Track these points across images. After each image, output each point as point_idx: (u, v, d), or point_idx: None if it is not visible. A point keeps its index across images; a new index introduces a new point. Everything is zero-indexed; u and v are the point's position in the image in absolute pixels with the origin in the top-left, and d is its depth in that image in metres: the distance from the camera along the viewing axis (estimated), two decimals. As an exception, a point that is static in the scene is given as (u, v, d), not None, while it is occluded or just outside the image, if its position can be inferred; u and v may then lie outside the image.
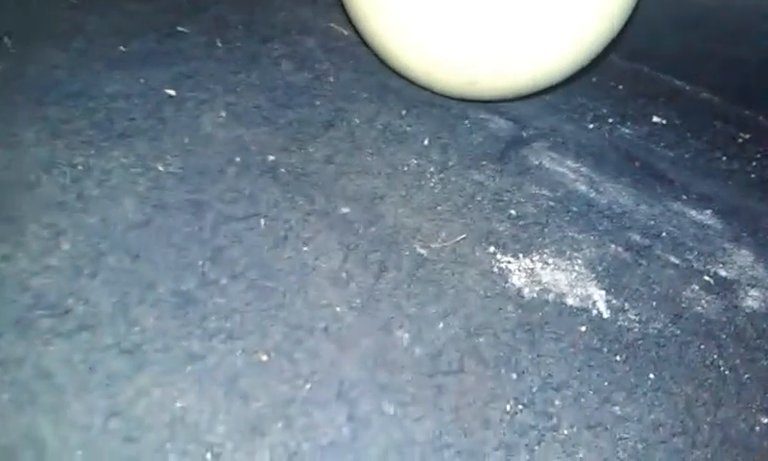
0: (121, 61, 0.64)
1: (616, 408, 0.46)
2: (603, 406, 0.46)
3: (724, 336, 0.53)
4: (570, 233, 0.57)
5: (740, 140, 0.73)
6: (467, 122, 0.66)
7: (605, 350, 0.50)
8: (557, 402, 0.46)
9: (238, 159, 0.56)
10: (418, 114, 0.65)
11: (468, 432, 0.43)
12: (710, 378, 0.50)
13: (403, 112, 0.65)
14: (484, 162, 0.62)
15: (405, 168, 0.60)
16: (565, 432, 0.44)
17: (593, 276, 0.54)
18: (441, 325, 0.48)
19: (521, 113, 0.69)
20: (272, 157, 0.57)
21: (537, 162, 0.64)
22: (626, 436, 0.45)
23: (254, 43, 0.70)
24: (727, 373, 0.50)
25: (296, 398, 0.42)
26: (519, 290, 0.52)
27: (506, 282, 0.52)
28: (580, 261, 0.55)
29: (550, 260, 0.55)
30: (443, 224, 0.56)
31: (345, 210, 0.55)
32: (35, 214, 0.49)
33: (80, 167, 0.52)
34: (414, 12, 0.59)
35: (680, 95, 0.78)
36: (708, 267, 0.58)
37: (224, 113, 0.60)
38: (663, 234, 0.59)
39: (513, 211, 0.58)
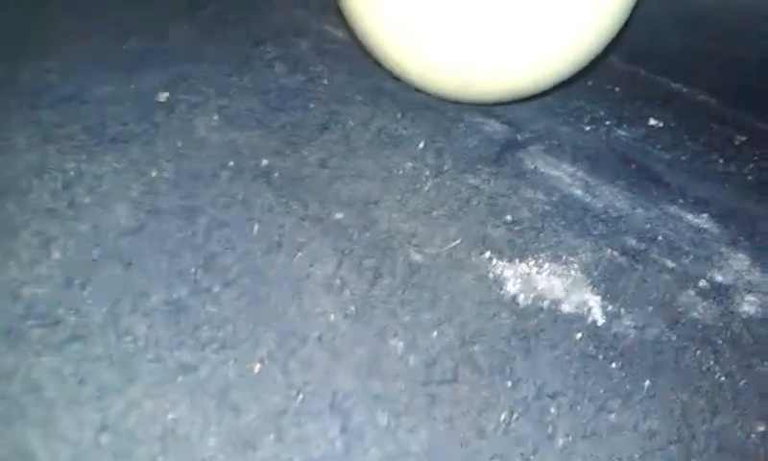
0: (114, 64, 0.63)
1: (612, 416, 0.46)
2: (598, 414, 0.46)
3: (720, 342, 0.52)
4: (566, 238, 0.57)
5: (737, 142, 0.73)
6: (462, 125, 0.66)
7: (600, 357, 0.49)
8: (552, 411, 0.45)
9: (231, 164, 0.56)
10: (413, 117, 0.65)
11: (462, 442, 0.43)
12: (706, 385, 0.49)
13: (398, 116, 0.65)
14: (479, 166, 0.62)
15: (400, 172, 0.59)
16: (561, 442, 0.44)
17: (589, 281, 0.54)
18: (435, 332, 0.48)
19: (517, 116, 0.69)
20: (265, 162, 0.57)
21: (532, 166, 0.63)
22: (621, 445, 0.45)
23: (247, 45, 0.69)
24: (723, 379, 0.50)
25: (288, 409, 0.42)
26: (515, 297, 0.52)
27: (501, 289, 0.52)
28: (576, 266, 0.55)
29: (546, 266, 0.54)
30: (438, 229, 0.55)
31: (339, 215, 0.54)
32: (26, 221, 0.49)
33: (71, 173, 0.52)
34: (409, 12, 0.58)
35: (677, 97, 0.78)
36: (705, 272, 0.57)
37: (217, 117, 0.60)
38: (659, 238, 0.59)
39: (508, 216, 0.58)
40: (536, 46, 0.59)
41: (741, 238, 0.61)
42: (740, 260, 0.59)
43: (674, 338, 0.52)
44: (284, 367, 0.44)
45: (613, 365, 0.49)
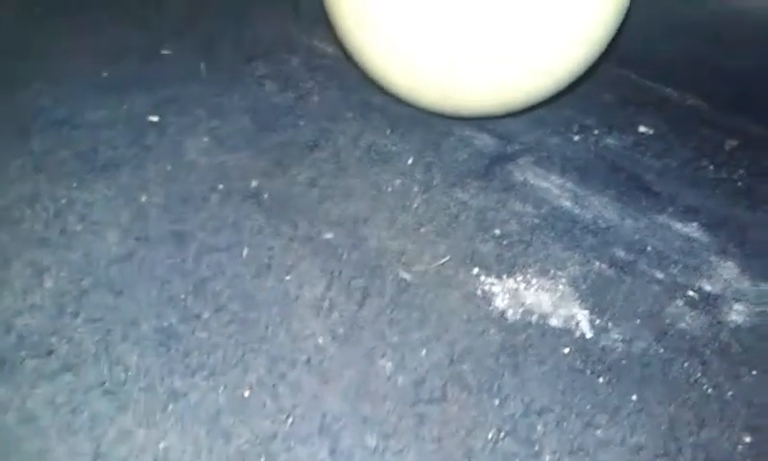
0: (105, 87, 0.64)
1: (599, 432, 0.47)
2: (585, 430, 0.46)
3: (708, 352, 0.53)
4: (554, 251, 0.57)
5: (728, 148, 0.73)
6: (451, 139, 0.66)
7: (588, 371, 0.50)
8: (539, 428, 0.46)
9: (221, 186, 0.56)
10: (402, 132, 0.66)
11: (450, 463, 0.43)
12: (694, 397, 0.50)
13: (388, 131, 0.65)
14: (468, 180, 0.62)
15: (389, 189, 0.60)
16: (548, 459, 0.45)
17: (577, 295, 0.54)
18: (424, 351, 0.49)
19: (507, 128, 0.69)
20: (255, 183, 0.57)
21: (521, 178, 0.64)
22: (608, 460, 0.45)
23: (238, 64, 0.70)
24: (710, 391, 0.50)
25: (278, 433, 0.43)
26: (503, 312, 0.52)
27: (489, 305, 0.52)
28: (564, 280, 0.55)
29: (534, 280, 0.55)
30: (426, 246, 0.56)
31: (328, 235, 0.55)
32: (18, 251, 0.49)
33: (63, 201, 0.53)
34: (399, 26, 0.58)
35: (667, 102, 0.78)
36: (693, 281, 0.58)
37: (207, 138, 0.60)
38: (648, 249, 0.59)
39: (497, 230, 0.58)
40: (526, 61, 0.59)
41: (731, 246, 0.61)
42: (729, 269, 0.59)
43: (661, 350, 0.52)
44: (273, 391, 0.45)
45: (601, 379, 0.49)
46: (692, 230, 0.62)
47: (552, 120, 0.72)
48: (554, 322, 0.52)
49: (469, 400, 0.47)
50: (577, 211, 0.62)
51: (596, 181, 0.65)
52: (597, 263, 0.57)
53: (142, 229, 0.52)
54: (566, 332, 0.52)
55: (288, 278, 0.51)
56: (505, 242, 0.57)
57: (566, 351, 0.51)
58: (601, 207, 0.63)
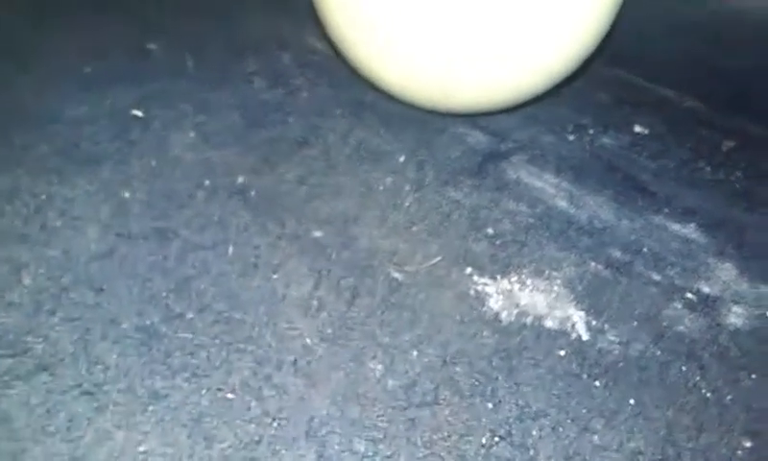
0: (87, 82, 0.62)
1: (595, 437, 0.45)
2: (581, 435, 0.45)
3: (707, 356, 0.51)
4: (549, 252, 0.56)
5: (725, 149, 0.72)
6: (444, 136, 0.65)
7: (584, 375, 0.48)
8: (534, 433, 0.44)
9: (207, 183, 0.55)
10: (394, 130, 0.64)
11: (441, 468, 0.42)
12: (692, 401, 0.48)
13: (379, 129, 0.64)
14: (461, 178, 0.61)
15: (381, 187, 0.58)
16: (543, 465, 0.43)
17: (573, 296, 0.53)
18: (415, 353, 0.47)
19: (500, 126, 0.68)
20: (241, 179, 0.56)
21: (515, 176, 0.62)
22: (605, 467, 0.44)
23: (227, 59, 0.69)
24: (708, 395, 0.49)
25: (263, 437, 0.41)
26: (497, 314, 0.51)
27: (483, 306, 0.51)
28: (559, 281, 0.54)
29: (528, 281, 0.53)
30: (418, 245, 0.54)
31: (317, 234, 0.53)
32: (-5, 247, 0.48)
33: (43, 196, 0.51)
34: (390, 22, 0.57)
35: (664, 102, 0.77)
36: (691, 283, 0.56)
37: (193, 134, 0.59)
38: (645, 250, 0.58)
39: (490, 230, 0.57)
40: (518, 57, 0.58)
41: (729, 247, 0.60)
42: (727, 270, 0.58)
43: (659, 353, 0.51)
44: (259, 393, 0.43)
45: (597, 383, 0.48)
46: (689, 231, 0.61)
47: (546, 118, 0.71)
48: (549, 323, 0.51)
49: (462, 404, 0.45)
50: (572, 211, 0.60)
51: (592, 180, 0.64)
52: (593, 264, 0.56)
53: (124, 225, 0.50)
54: (562, 334, 0.50)
55: (275, 276, 0.49)
56: (499, 242, 0.56)
57: (562, 353, 0.49)
58: (597, 207, 0.61)
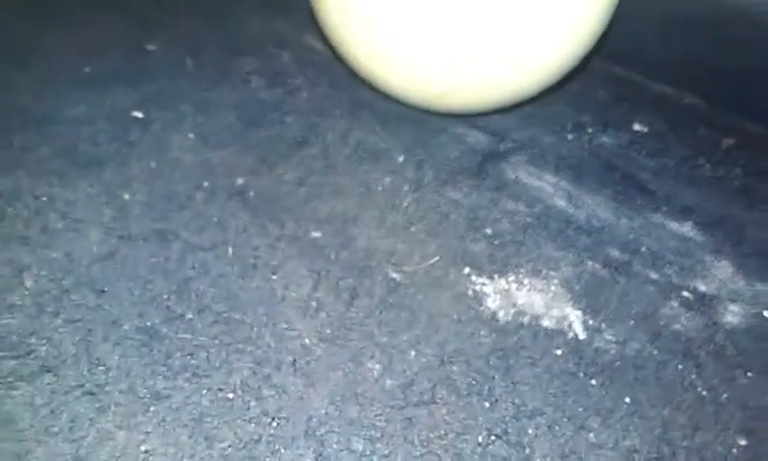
0: (87, 83, 0.63)
1: (591, 435, 0.46)
2: (577, 434, 0.45)
3: (703, 354, 0.52)
4: (547, 251, 0.56)
5: (725, 146, 0.72)
6: (442, 136, 0.65)
7: (581, 374, 0.49)
8: (530, 432, 0.45)
9: (206, 184, 0.55)
10: (392, 130, 0.64)
11: (438, 467, 0.42)
12: (688, 400, 0.49)
13: (378, 128, 0.64)
14: (460, 178, 0.61)
15: (379, 187, 0.59)
16: (539, 463, 0.44)
17: (570, 296, 0.53)
18: (413, 353, 0.48)
19: (499, 125, 0.68)
20: (241, 180, 0.56)
21: (514, 176, 0.63)
22: (601, 465, 0.44)
23: (226, 59, 0.69)
24: (704, 393, 0.49)
25: (262, 436, 0.42)
26: (494, 313, 0.51)
27: (480, 306, 0.51)
28: (556, 281, 0.54)
29: (526, 281, 0.54)
30: (417, 245, 0.55)
31: (316, 234, 0.54)
32: (-2, 249, 0.48)
33: (44, 198, 0.51)
34: (389, 22, 0.57)
35: (663, 100, 0.77)
36: (688, 282, 0.57)
37: (192, 135, 0.59)
38: (643, 249, 0.58)
39: (488, 230, 0.57)
40: (516, 56, 0.58)
41: (726, 246, 0.60)
42: (724, 268, 0.58)
43: (655, 352, 0.51)
44: (258, 393, 0.43)
45: (594, 382, 0.48)
46: (687, 229, 0.61)
47: (545, 118, 0.71)
48: (546, 323, 0.51)
49: (459, 403, 0.46)
50: (571, 211, 0.61)
51: (590, 179, 0.64)
52: (591, 263, 0.56)
53: (125, 227, 0.51)
54: (559, 333, 0.51)
55: (274, 277, 0.50)
56: (497, 241, 0.56)
57: (559, 352, 0.50)
58: (595, 206, 0.62)
